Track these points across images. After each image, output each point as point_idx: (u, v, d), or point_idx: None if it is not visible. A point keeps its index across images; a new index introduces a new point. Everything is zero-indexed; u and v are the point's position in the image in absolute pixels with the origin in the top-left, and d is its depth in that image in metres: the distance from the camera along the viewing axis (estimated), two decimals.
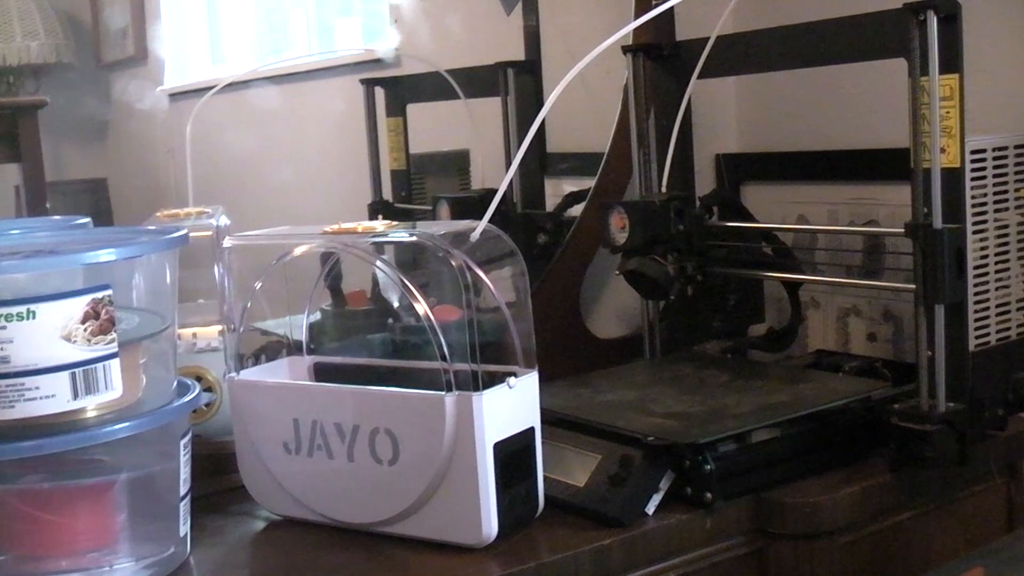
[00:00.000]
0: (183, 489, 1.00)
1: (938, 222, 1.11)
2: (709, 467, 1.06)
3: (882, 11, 1.18)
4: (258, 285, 1.10)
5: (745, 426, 1.11)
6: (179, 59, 1.68)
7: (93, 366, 0.90)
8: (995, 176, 1.17)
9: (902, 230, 1.13)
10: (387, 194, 1.69)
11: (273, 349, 1.18)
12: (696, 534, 1.07)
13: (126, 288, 0.97)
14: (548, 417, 1.08)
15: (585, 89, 1.51)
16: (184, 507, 1.01)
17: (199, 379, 1.13)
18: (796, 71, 1.47)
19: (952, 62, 1.10)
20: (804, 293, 1.48)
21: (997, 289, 1.18)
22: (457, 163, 1.72)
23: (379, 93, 1.67)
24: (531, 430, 1.02)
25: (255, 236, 1.12)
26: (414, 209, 1.68)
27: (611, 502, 1.05)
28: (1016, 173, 1.19)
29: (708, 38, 1.35)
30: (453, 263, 0.96)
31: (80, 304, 0.89)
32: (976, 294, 1.16)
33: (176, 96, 1.62)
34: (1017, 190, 1.19)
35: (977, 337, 1.16)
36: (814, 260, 1.51)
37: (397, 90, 1.68)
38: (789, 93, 1.58)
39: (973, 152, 1.14)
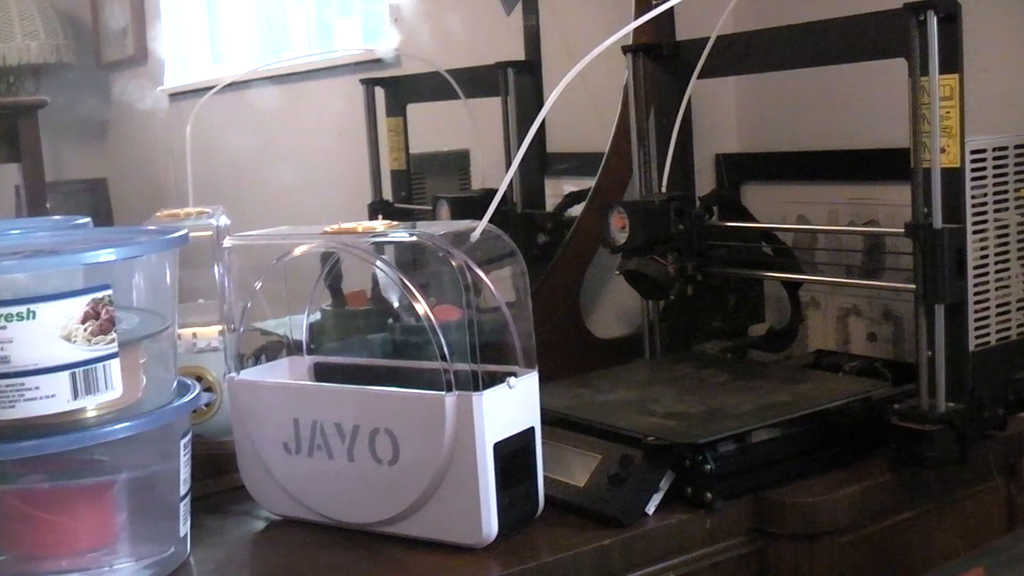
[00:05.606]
0: (183, 489, 1.00)
1: (938, 222, 1.11)
2: (709, 467, 1.06)
3: (882, 11, 1.18)
4: (258, 285, 1.10)
5: (745, 426, 1.11)
6: (179, 59, 1.67)
7: (93, 366, 0.90)
8: (995, 176, 1.17)
9: (902, 230, 1.13)
10: (387, 194, 1.69)
11: (273, 349, 1.18)
12: (696, 534, 1.07)
13: (126, 288, 0.97)
14: (548, 417, 1.08)
15: (585, 89, 1.50)
16: (184, 507, 1.01)
17: (199, 379, 1.12)
18: (796, 71, 1.47)
19: (952, 62, 1.10)
20: (804, 293, 1.48)
21: (997, 289, 1.18)
22: (457, 163, 1.72)
23: (379, 93, 1.67)
24: (531, 430, 1.02)
25: (255, 236, 1.12)
26: (414, 209, 1.68)
27: (611, 502, 1.05)
28: (1016, 173, 1.18)
29: (708, 38, 1.35)
30: (453, 263, 0.96)
31: (80, 304, 0.89)
32: (976, 294, 1.16)
33: (176, 96, 1.62)
34: (1017, 190, 1.19)
35: (977, 337, 1.16)
36: (814, 260, 1.51)
37: (397, 90, 1.67)
38: (789, 93, 1.58)
39: (973, 152, 1.14)
